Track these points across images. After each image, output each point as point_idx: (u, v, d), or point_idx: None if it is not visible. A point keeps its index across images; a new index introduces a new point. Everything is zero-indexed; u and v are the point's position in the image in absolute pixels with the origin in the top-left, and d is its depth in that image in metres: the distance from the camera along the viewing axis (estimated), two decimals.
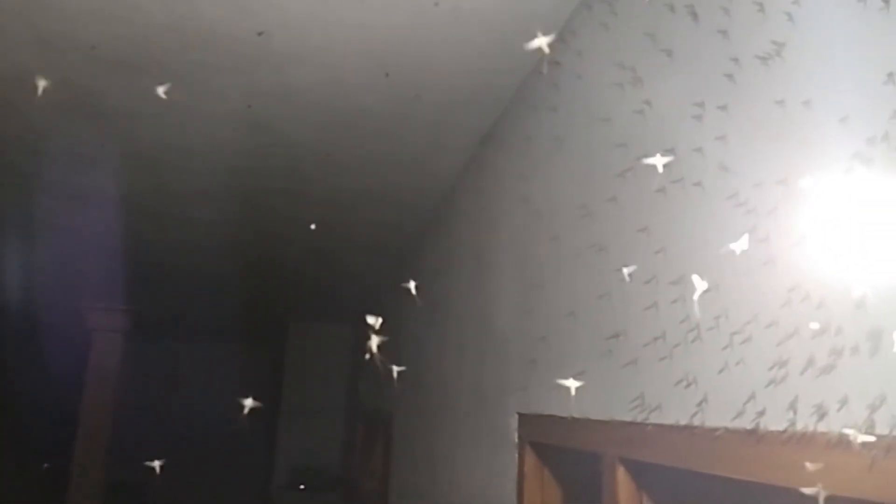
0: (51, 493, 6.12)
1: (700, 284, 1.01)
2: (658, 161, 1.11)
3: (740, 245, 0.92)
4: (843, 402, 0.81)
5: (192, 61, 2.20)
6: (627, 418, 1.32)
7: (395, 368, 1.41)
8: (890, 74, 0.81)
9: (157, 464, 2.07)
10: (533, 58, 2.09)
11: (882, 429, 0.75)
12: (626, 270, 1.31)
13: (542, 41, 1.12)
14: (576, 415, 1.56)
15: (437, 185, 3.23)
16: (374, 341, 1.22)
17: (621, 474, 1.33)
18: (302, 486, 6.40)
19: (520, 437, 1.89)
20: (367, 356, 1.20)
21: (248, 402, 1.52)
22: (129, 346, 6.84)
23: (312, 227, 3.29)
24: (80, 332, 6.03)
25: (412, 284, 1.46)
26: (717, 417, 1.05)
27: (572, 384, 1.41)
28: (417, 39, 2.05)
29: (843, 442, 0.80)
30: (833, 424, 0.82)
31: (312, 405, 6.85)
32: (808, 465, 0.76)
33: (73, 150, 2.95)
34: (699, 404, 1.10)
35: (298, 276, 5.30)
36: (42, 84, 2.03)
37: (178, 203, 3.56)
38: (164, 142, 2.82)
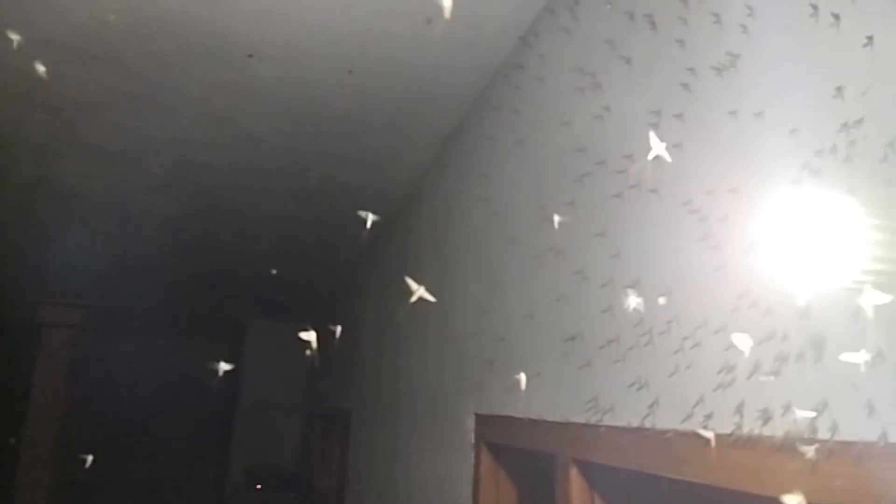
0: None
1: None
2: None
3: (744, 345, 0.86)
4: (787, 407, 0.83)
5: (150, 53, 2.15)
6: (581, 420, 1.34)
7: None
8: (839, 88, 0.83)
9: (89, 458, 2.03)
10: (497, 59, 2.11)
11: (824, 433, 0.77)
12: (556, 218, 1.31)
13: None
14: (531, 416, 1.57)
15: (399, 184, 3.22)
16: (312, 338, 1.22)
17: (574, 475, 1.34)
18: (258, 486, 6.32)
19: (476, 438, 1.90)
20: (308, 352, 1.21)
21: (223, 367, 1.50)
22: (83, 341, 6.68)
23: (273, 272, 3.23)
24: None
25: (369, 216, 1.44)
26: (668, 420, 1.07)
27: (523, 377, 1.42)
28: (382, 38, 2.05)
29: (786, 445, 0.82)
30: (777, 428, 0.84)
31: (270, 403, 6.77)
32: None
33: (26, 141, 2.86)
34: (650, 406, 1.12)
35: (258, 273, 5.23)
36: (16, 39, 1.91)
37: (133, 196, 3.48)
38: (119, 134, 2.76)
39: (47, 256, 4.55)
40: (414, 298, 1.22)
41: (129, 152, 2.94)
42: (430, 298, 1.21)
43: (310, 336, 1.22)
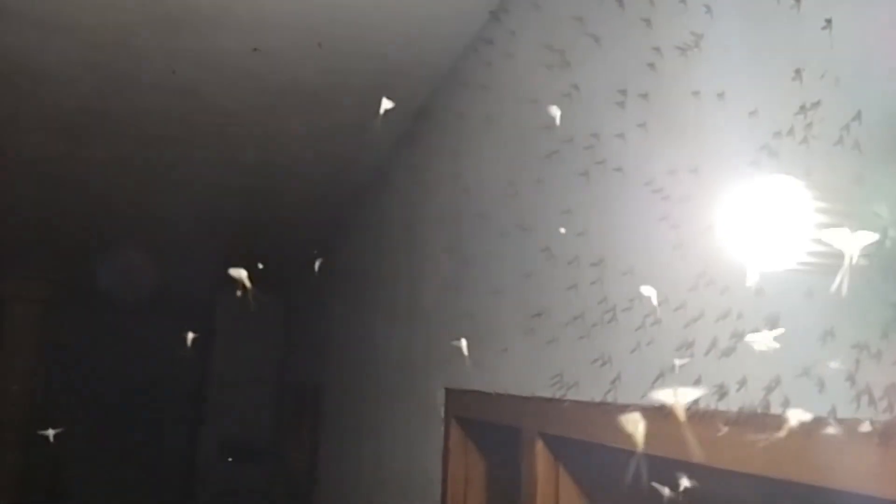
0: None
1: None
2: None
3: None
4: (742, 383, 0.85)
5: (111, 23, 2.09)
6: (547, 394, 1.36)
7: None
8: (798, 71, 0.84)
9: (50, 433, 2.01)
10: (467, 34, 2.09)
11: (776, 408, 0.80)
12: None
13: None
14: (499, 390, 1.59)
15: (369, 158, 3.19)
16: (241, 275, 1.18)
17: (540, 448, 1.37)
18: (230, 459, 6.33)
19: (446, 412, 1.93)
20: (239, 293, 1.17)
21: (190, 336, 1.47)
22: (50, 316, 6.57)
23: (260, 265, 3.16)
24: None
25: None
26: (629, 395, 1.09)
27: (463, 344, 1.45)
28: (351, 11, 2.02)
29: (740, 420, 0.84)
30: (732, 404, 0.87)
31: (241, 377, 6.76)
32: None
33: None
34: (613, 382, 1.14)
35: (227, 246, 5.18)
36: None
37: (98, 170, 3.41)
38: (82, 106, 2.69)
39: (7, 231, 4.45)
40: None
41: (91, 124, 2.87)
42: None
43: (239, 273, 1.18)
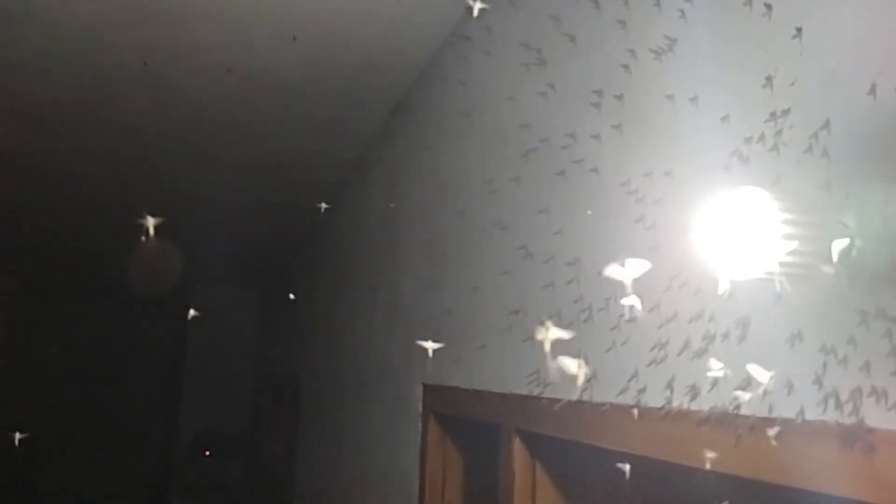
0: None
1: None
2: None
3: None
4: (714, 384, 0.87)
5: (82, 14, 2.06)
6: (524, 392, 1.37)
7: None
8: (769, 78, 0.86)
9: (17, 436, 1.99)
10: (444, 29, 2.09)
11: (747, 409, 0.82)
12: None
13: None
14: (476, 387, 1.61)
15: (347, 151, 3.18)
16: (151, 223, 1.16)
17: (517, 445, 1.39)
18: (207, 452, 6.30)
19: (424, 408, 1.94)
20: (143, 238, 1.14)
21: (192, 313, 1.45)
22: (19, 308, 6.47)
23: (291, 296, 3.06)
24: None
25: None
26: (604, 393, 1.11)
27: (430, 346, 1.46)
28: (328, 5, 2.00)
29: (712, 420, 0.86)
30: (704, 403, 0.89)
31: (217, 370, 6.71)
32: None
33: None
34: (588, 381, 1.16)
35: (202, 240, 5.13)
36: None
37: (69, 162, 3.35)
38: (51, 97, 2.64)
39: None
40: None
41: (62, 117, 2.82)
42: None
43: (148, 222, 1.15)
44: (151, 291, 7.32)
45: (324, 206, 2.58)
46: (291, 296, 2.69)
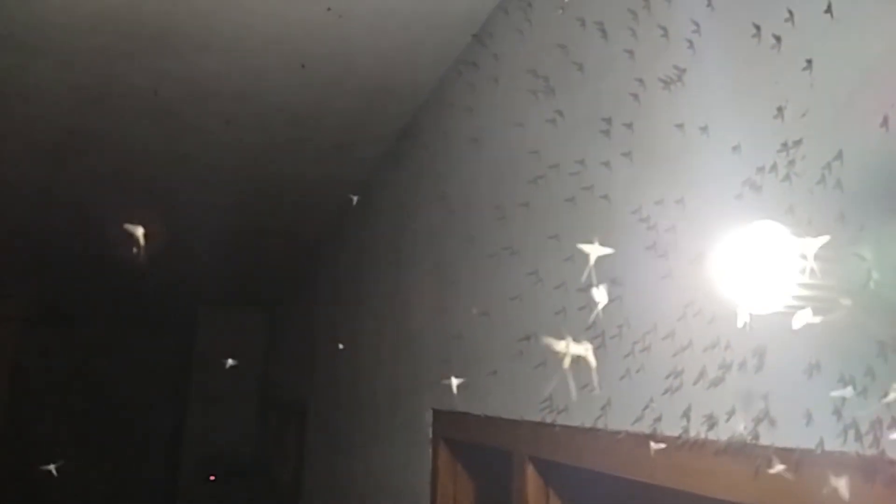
0: None
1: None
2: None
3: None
4: (731, 413, 0.87)
5: (94, 46, 2.09)
6: (537, 419, 1.37)
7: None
8: (780, 108, 0.87)
9: (52, 467, 1.98)
10: (450, 56, 2.11)
11: (765, 439, 0.82)
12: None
13: None
14: (488, 413, 1.60)
15: (353, 175, 3.20)
16: (138, 231, 1.17)
17: (530, 472, 1.38)
18: (212, 477, 6.26)
19: (434, 433, 1.93)
20: (135, 250, 1.15)
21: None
22: (27, 334, 6.48)
23: (340, 346, 2.94)
24: None
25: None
26: (619, 421, 1.11)
27: (454, 382, 1.46)
28: (335, 32, 2.03)
29: (730, 450, 0.86)
30: (722, 433, 0.89)
31: (223, 393, 6.69)
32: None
33: None
34: (603, 408, 1.16)
35: (209, 262, 5.15)
36: None
37: (78, 189, 3.38)
38: (64, 126, 2.67)
39: None
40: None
41: (72, 144, 2.85)
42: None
43: (136, 230, 1.16)
44: (157, 313, 7.33)
45: (355, 198, 2.55)
46: (340, 346, 2.66)
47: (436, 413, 1.95)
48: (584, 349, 0.84)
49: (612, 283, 1.17)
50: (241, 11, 1.92)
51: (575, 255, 1.32)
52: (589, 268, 0.89)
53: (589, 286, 1.23)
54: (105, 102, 2.46)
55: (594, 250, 0.96)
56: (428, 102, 2.37)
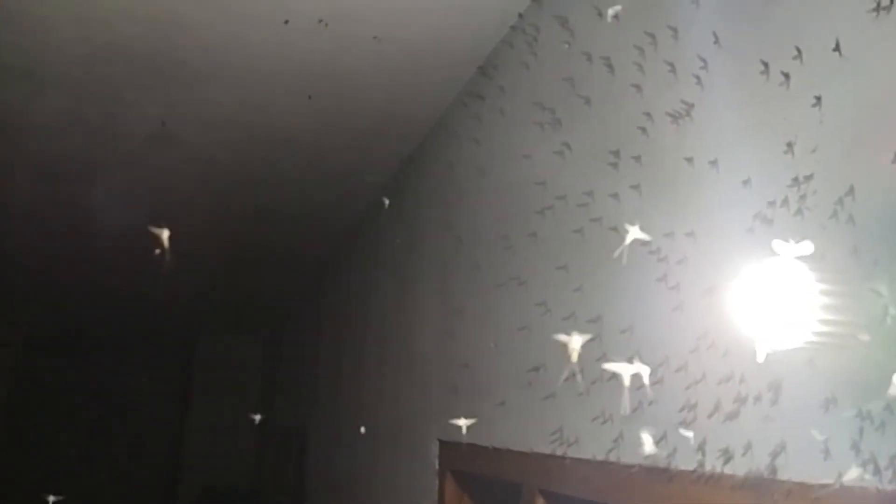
0: None
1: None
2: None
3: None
4: (748, 448, 0.87)
5: (104, 77, 2.11)
6: (547, 451, 1.36)
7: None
8: (789, 144, 0.88)
9: (51, 500, 1.97)
10: (455, 88, 2.14)
11: (783, 474, 0.82)
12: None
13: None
14: (496, 444, 1.59)
15: (356, 204, 3.22)
16: (165, 235, 1.18)
17: None
18: None
19: (440, 464, 1.92)
20: (157, 252, 1.16)
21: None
22: (23, 360, 6.43)
23: (362, 430, 2.79)
24: None
25: None
26: (632, 454, 1.10)
27: (463, 423, 1.46)
28: (343, 65, 2.05)
29: (747, 484, 0.86)
30: (738, 467, 0.88)
31: (221, 421, 6.64)
32: None
33: None
34: (615, 441, 1.15)
35: (209, 290, 5.15)
36: None
37: (82, 218, 3.39)
38: (69, 155, 2.69)
39: None
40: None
41: (78, 174, 2.86)
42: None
43: (161, 232, 1.17)
44: (156, 340, 7.30)
45: (387, 201, 2.54)
46: (363, 429, 2.61)
47: (442, 444, 1.94)
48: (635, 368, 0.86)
49: (622, 314, 1.18)
50: (250, 44, 1.95)
51: (584, 285, 1.33)
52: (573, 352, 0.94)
53: (598, 318, 1.24)
54: (113, 132, 2.48)
55: (575, 341, 0.99)
56: (433, 133, 2.39)
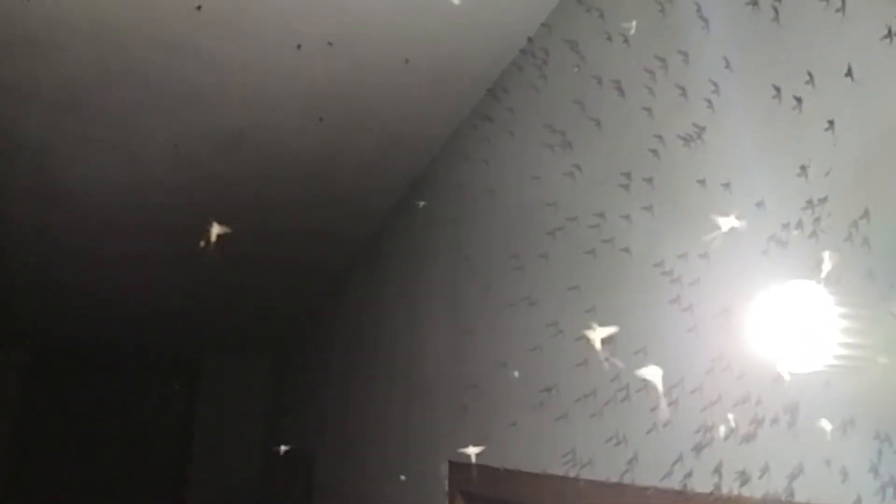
0: None
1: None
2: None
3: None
4: (765, 470, 0.87)
5: (117, 100, 2.14)
6: (559, 472, 1.36)
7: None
8: (803, 167, 0.89)
9: None
10: (464, 110, 2.16)
11: (801, 497, 0.81)
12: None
13: None
14: (507, 466, 1.59)
15: (365, 224, 3.23)
16: (216, 230, 1.20)
17: None
18: None
19: (450, 486, 1.91)
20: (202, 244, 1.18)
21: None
22: (30, 380, 6.44)
23: (402, 478, 2.73)
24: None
25: None
26: (647, 476, 1.10)
27: (472, 451, 1.46)
28: (353, 88, 2.08)
29: None
30: (756, 490, 0.88)
31: (227, 441, 6.62)
32: None
33: None
34: (629, 462, 1.15)
35: (217, 311, 5.16)
36: None
37: (94, 238, 3.41)
38: (83, 177, 2.71)
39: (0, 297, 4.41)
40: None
41: (91, 196, 2.89)
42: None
43: (214, 228, 1.19)
44: (162, 361, 7.30)
45: (421, 203, 2.53)
46: (403, 477, 2.59)
47: (452, 465, 1.94)
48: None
49: (636, 336, 1.18)
50: (263, 68, 1.98)
51: (597, 305, 1.33)
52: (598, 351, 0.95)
53: (611, 339, 1.24)
54: (125, 155, 2.51)
55: (598, 333, 1.01)
56: (442, 154, 2.41)
